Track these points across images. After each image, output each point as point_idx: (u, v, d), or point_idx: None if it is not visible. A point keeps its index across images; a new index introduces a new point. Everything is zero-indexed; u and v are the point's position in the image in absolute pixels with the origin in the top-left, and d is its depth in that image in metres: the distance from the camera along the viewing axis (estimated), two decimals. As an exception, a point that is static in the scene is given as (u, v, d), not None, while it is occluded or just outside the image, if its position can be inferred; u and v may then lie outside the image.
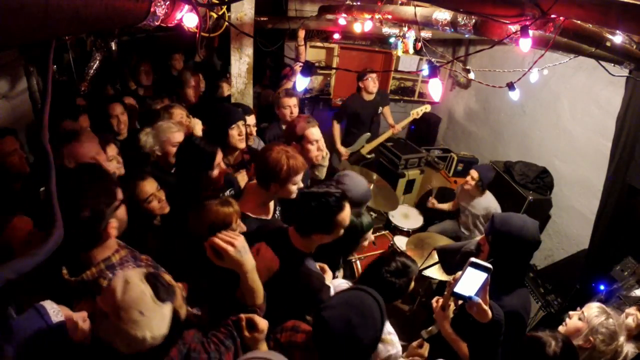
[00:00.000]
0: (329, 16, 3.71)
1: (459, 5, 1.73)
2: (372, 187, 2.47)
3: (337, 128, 4.34)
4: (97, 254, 1.33)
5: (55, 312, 1.07)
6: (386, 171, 4.88)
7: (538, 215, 3.63)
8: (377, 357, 1.65)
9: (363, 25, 3.30)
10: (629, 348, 1.75)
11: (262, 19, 4.01)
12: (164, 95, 3.46)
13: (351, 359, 1.30)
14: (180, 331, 1.20)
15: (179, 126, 2.47)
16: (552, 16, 1.51)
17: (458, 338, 1.64)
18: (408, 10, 2.49)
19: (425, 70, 1.79)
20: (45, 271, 0.81)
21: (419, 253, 3.08)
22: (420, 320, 3.21)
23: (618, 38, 1.79)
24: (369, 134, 4.48)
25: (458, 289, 1.39)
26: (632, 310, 1.98)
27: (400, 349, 1.71)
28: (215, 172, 2.09)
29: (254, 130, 2.94)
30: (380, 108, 4.46)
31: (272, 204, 2.18)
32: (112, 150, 2.22)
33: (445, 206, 4.11)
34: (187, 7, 1.61)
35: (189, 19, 1.73)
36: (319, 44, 5.02)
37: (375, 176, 3.59)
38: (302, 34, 3.95)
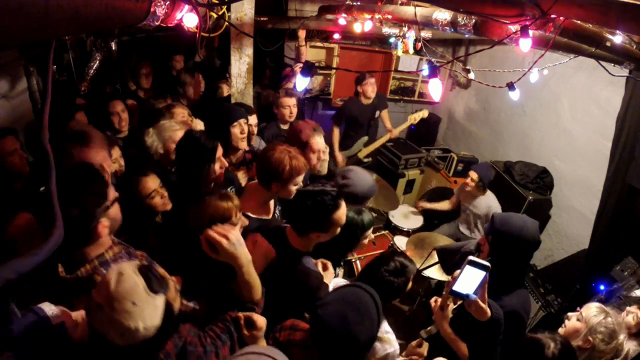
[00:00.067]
0: (329, 16, 3.71)
1: (459, 5, 1.73)
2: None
3: (336, 133, 4.28)
4: (91, 252, 1.35)
5: (54, 313, 1.09)
6: (386, 171, 4.88)
7: (538, 215, 3.64)
8: (374, 355, 1.65)
9: (363, 25, 3.30)
10: (630, 346, 1.74)
11: (262, 19, 4.00)
12: (166, 95, 3.46)
13: (348, 355, 1.30)
14: (175, 325, 1.21)
15: (180, 124, 2.48)
16: (552, 16, 1.51)
17: (457, 338, 1.64)
18: (408, 10, 2.49)
19: (425, 70, 1.79)
20: (42, 269, 0.82)
21: (419, 253, 3.08)
22: (420, 320, 3.21)
23: (618, 38, 1.79)
24: (366, 137, 4.47)
25: (456, 287, 1.40)
26: (633, 308, 1.98)
27: (397, 347, 1.71)
28: (217, 166, 2.08)
29: (255, 130, 2.94)
30: (378, 112, 4.43)
31: (272, 203, 2.18)
32: (116, 152, 2.25)
33: (440, 205, 4.09)
34: (187, 7, 1.61)
35: (189, 19, 1.73)
36: (319, 44, 5.02)
37: (375, 176, 3.59)
38: (302, 34, 3.95)
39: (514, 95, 2.39)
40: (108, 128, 2.77)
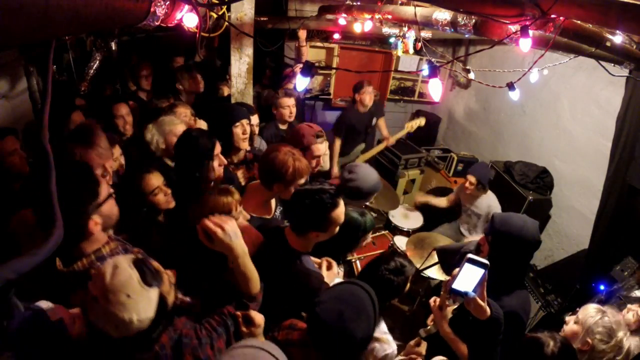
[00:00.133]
0: (329, 16, 3.71)
1: (459, 5, 1.73)
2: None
3: (337, 145, 4.22)
4: (87, 247, 1.38)
5: (52, 310, 1.10)
6: (386, 171, 4.88)
7: (538, 215, 3.64)
8: (374, 356, 1.65)
9: (363, 25, 3.30)
10: (631, 342, 1.74)
11: (262, 19, 4.00)
12: (169, 95, 3.47)
13: (346, 352, 1.30)
14: (170, 318, 1.23)
15: (181, 119, 2.50)
16: (552, 16, 1.51)
17: (456, 338, 1.64)
18: (408, 10, 2.48)
19: (425, 70, 1.79)
20: (41, 262, 0.83)
21: (418, 253, 3.08)
22: (420, 320, 3.20)
23: (618, 38, 1.79)
24: (363, 145, 4.47)
25: (456, 285, 1.39)
26: (634, 306, 1.99)
27: (395, 348, 1.72)
28: (216, 164, 2.09)
29: (256, 130, 2.94)
30: (375, 119, 4.43)
31: (273, 203, 2.19)
32: (116, 151, 2.26)
33: (437, 201, 4.08)
34: (187, 7, 1.61)
35: (189, 19, 1.73)
36: (319, 44, 5.02)
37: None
38: (303, 34, 3.95)
39: (514, 95, 2.39)
40: (112, 130, 2.77)
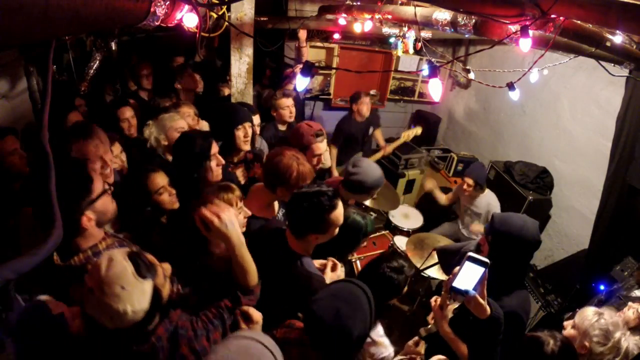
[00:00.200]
0: (329, 16, 3.71)
1: (459, 5, 1.73)
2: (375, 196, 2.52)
3: (334, 153, 4.25)
4: (83, 243, 1.39)
5: (55, 305, 1.14)
6: (386, 171, 4.88)
7: (538, 215, 3.64)
8: (370, 359, 1.65)
9: (363, 25, 3.30)
10: (630, 342, 1.73)
11: (262, 19, 4.00)
12: (172, 95, 3.47)
13: (343, 350, 1.30)
14: (166, 311, 1.25)
15: (180, 114, 2.51)
16: (552, 16, 1.51)
17: (456, 337, 1.64)
18: (408, 10, 2.48)
19: (425, 70, 1.79)
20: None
21: (418, 253, 3.08)
22: (420, 320, 3.20)
23: (618, 38, 1.79)
24: (361, 153, 4.48)
25: (456, 283, 1.39)
26: (635, 304, 1.99)
27: (392, 351, 1.72)
28: (213, 164, 2.09)
29: (258, 130, 2.95)
30: (372, 128, 4.47)
31: (276, 205, 2.20)
32: (116, 149, 2.25)
33: (440, 196, 4.09)
34: (187, 7, 1.60)
35: (189, 19, 1.73)
36: (319, 44, 5.02)
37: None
38: (303, 35, 3.95)
39: (514, 95, 2.39)
40: (116, 133, 2.77)
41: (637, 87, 2.69)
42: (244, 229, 1.75)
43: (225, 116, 2.50)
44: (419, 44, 3.54)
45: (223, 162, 2.15)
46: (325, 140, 2.50)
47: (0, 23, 0.62)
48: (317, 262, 1.93)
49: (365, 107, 4.18)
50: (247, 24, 2.87)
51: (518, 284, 1.87)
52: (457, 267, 1.39)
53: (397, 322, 3.14)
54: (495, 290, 1.59)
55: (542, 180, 3.95)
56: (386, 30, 3.59)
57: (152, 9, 1.32)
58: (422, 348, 1.71)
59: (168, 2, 1.41)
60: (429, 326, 1.67)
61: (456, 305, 1.67)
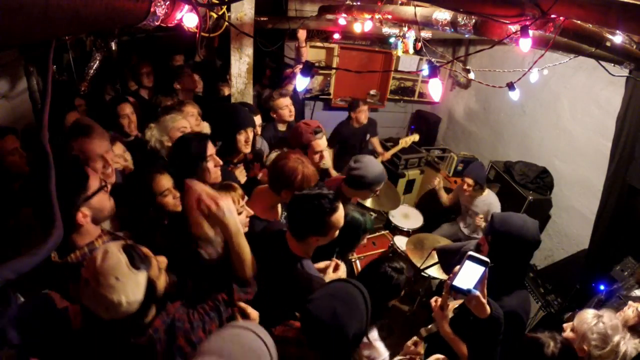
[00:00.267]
0: (329, 16, 3.71)
1: (459, 5, 1.73)
2: (378, 192, 2.53)
3: (330, 154, 4.27)
4: (79, 240, 1.40)
5: (60, 300, 1.17)
6: (386, 171, 4.87)
7: (538, 215, 3.64)
8: None
9: (363, 25, 3.30)
10: (628, 345, 1.73)
11: (262, 19, 4.00)
12: (173, 94, 3.47)
13: (339, 349, 1.30)
14: (162, 304, 1.27)
15: (187, 118, 2.51)
16: (552, 16, 1.51)
17: (457, 338, 1.64)
18: (408, 10, 2.49)
19: (425, 70, 1.79)
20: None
21: (418, 253, 3.08)
22: (420, 320, 3.21)
23: (618, 38, 1.79)
24: None
25: (456, 282, 1.40)
26: (635, 303, 1.98)
27: (386, 356, 1.72)
28: (211, 165, 2.09)
29: (259, 130, 2.95)
30: (368, 135, 4.52)
31: (279, 207, 2.21)
32: (118, 148, 2.25)
33: (443, 196, 4.11)
34: (187, 7, 1.61)
35: (189, 19, 1.73)
36: (319, 44, 5.02)
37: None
38: (302, 34, 3.95)
39: (514, 95, 2.40)
40: (116, 130, 2.76)
41: (637, 87, 2.70)
42: (246, 229, 1.75)
43: (227, 119, 2.50)
44: (419, 44, 3.54)
45: (221, 162, 2.15)
46: (324, 137, 2.52)
47: (0, 23, 0.62)
48: (323, 264, 1.93)
49: (363, 115, 4.27)
50: (247, 24, 2.87)
51: (518, 284, 1.87)
52: (458, 267, 1.39)
53: (397, 322, 3.14)
54: (495, 290, 1.59)
55: (542, 180, 3.95)
56: (386, 30, 3.59)
57: (152, 9, 1.32)
58: (421, 348, 1.71)
59: (168, 2, 1.41)
60: (430, 326, 1.67)
61: (456, 304, 1.67)
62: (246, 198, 1.88)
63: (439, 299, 1.63)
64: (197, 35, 1.81)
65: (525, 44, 1.58)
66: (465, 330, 1.60)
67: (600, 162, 3.26)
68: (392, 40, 3.72)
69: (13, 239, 1.49)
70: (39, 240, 0.83)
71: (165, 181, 1.96)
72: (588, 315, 1.74)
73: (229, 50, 2.98)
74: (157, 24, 1.46)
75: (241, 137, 2.42)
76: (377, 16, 2.78)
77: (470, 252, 1.36)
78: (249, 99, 3.20)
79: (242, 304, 1.43)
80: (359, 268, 2.95)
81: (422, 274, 2.99)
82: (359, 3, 3.00)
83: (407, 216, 4.02)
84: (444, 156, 5.21)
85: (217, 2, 1.89)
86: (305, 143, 2.41)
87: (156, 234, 1.94)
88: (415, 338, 1.72)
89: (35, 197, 1.32)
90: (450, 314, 1.61)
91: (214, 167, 2.10)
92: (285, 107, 3.28)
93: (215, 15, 2.47)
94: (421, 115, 6.04)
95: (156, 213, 1.96)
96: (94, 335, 1.15)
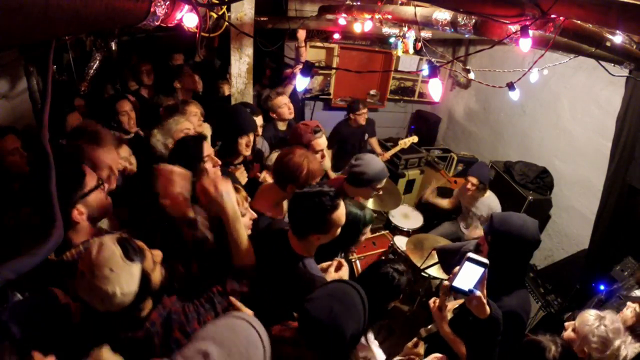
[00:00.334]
0: (329, 16, 3.71)
1: (459, 5, 1.73)
2: (380, 191, 2.53)
3: (329, 154, 4.21)
4: (75, 237, 1.40)
5: (62, 296, 1.18)
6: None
7: (538, 215, 3.64)
8: None
9: (363, 25, 3.30)
10: (629, 350, 1.73)
11: (262, 19, 4.00)
12: (174, 94, 3.47)
13: (336, 349, 1.30)
14: (159, 297, 1.30)
15: (190, 118, 2.53)
16: (552, 16, 1.52)
17: (456, 338, 1.64)
18: (408, 10, 2.49)
19: (425, 70, 1.79)
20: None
21: (418, 253, 3.08)
22: (420, 320, 3.21)
23: (618, 38, 1.79)
24: None
25: (456, 283, 1.40)
26: (633, 304, 1.98)
27: (384, 359, 1.72)
28: (209, 165, 2.09)
29: (260, 130, 2.95)
30: (367, 135, 4.54)
31: (285, 204, 2.20)
32: (124, 151, 2.25)
33: (441, 202, 4.09)
34: (187, 7, 1.61)
35: (189, 19, 1.73)
36: (319, 44, 5.02)
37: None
38: (302, 35, 3.95)
39: (514, 95, 2.40)
40: (115, 128, 2.76)
41: (637, 87, 2.70)
42: (249, 232, 1.75)
43: (230, 122, 2.50)
44: (419, 44, 3.55)
45: (219, 162, 2.15)
46: (324, 136, 2.54)
47: (0, 23, 0.62)
48: (326, 264, 1.93)
49: (362, 117, 4.30)
50: (247, 24, 2.87)
51: (518, 284, 1.87)
52: (457, 267, 1.40)
53: (397, 323, 3.14)
54: (495, 289, 1.59)
55: (542, 180, 3.95)
56: (386, 30, 3.59)
57: (152, 9, 1.32)
58: (421, 349, 1.71)
59: (168, 2, 1.41)
60: (430, 326, 1.67)
61: (456, 305, 1.67)
62: (249, 199, 1.89)
63: (437, 300, 1.63)
64: (197, 35, 1.81)
65: (525, 44, 1.59)
66: (464, 330, 1.60)
67: (600, 162, 3.26)
68: (392, 40, 3.72)
69: (13, 239, 1.49)
70: (39, 240, 0.83)
71: None
72: (590, 317, 1.73)
73: (229, 50, 2.98)
74: (157, 24, 1.46)
75: (243, 141, 2.44)
76: (377, 16, 2.78)
77: (469, 254, 1.36)
78: (249, 99, 3.20)
79: (237, 303, 1.44)
80: (359, 269, 2.95)
81: (422, 274, 2.99)
82: (359, 3, 3.01)
83: (407, 216, 4.02)
84: (444, 156, 5.21)
85: (217, 2, 1.89)
86: (305, 143, 2.42)
87: (158, 234, 1.94)
88: (415, 339, 1.72)
89: (35, 197, 1.32)
90: (450, 315, 1.61)
91: (212, 167, 2.10)
92: (284, 105, 3.29)
93: (215, 15, 2.47)
94: (421, 115, 6.05)
95: (158, 214, 1.96)
96: (93, 329, 1.17)
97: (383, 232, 3.68)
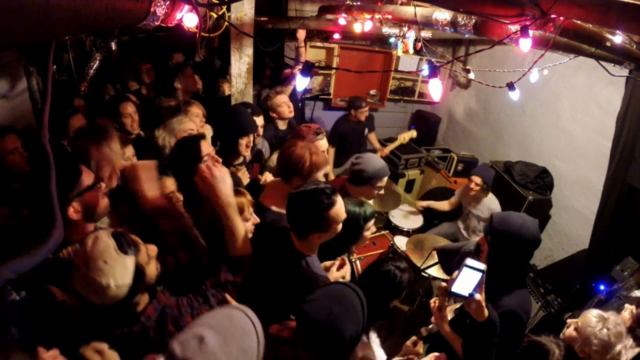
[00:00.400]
0: (329, 16, 3.71)
1: (459, 5, 1.73)
2: (381, 190, 2.55)
3: (331, 153, 4.28)
4: (70, 235, 1.40)
5: (60, 293, 1.20)
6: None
7: (538, 215, 3.63)
8: None
9: (363, 25, 3.30)
10: (629, 355, 1.72)
11: (262, 19, 4.00)
12: (175, 94, 3.46)
13: (335, 350, 1.30)
14: (154, 292, 1.33)
15: (192, 118, 2.55)
16: (552, 16, 1.52)
17: (456, 337, 1.64)
18: (408, 10, 2.49)
19: (425, 70, 1.79)
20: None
21: (418, 253, 3.08)
22: (420, 320, 3.21)
23: (618, 38, 1.79)
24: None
25: (455, 288, 1.41)
26: (630, 306, 1.98)
27: (384, 359, 1.72)
28: (209, 165, 2.09)
29: (261, 130, 2.95)
30: (367, 130, 4.55)
31: None
32: (129, 151, 2.26)
33: (439, 205, 4.09)
34: (187, 7, 1.61)
35: (189, 19, 1.73)
36: (319, 44, 5.02)
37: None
38: (301, 35, 3.95)
39: (514, 95, 2.40)
40: (116, 130, 2.76)
41: (637, 87, 2.70)
42: (250, 235, 1.75)
43: (231, 123, 2.50)
44: (419, 44, 3.55)
45: (219, 160, 2.16)
46: (325, 138, 2.55)
47: (0, 23, 0.62)
48: (329, 263, 1.93)
49: (363, 114, 4.31)
50: (247, 24, 2.87)
51: (518, 284, 1.87)
52: (456, 273, 1.40)
53: (397, 322, 3.14)
54: (496, 289, 1.59)
55: (542, 180, 3.95)
56: (386, 30, 3.59)
57: (152, 9, 1.32)
58: (420, 348, 1.71)
59: (168, 2, 1.41)
60: (430, 326, 1.67)
61: (457, 306, 1.67)
62: (254, 203, 1.89)
63: (437, 301, 1.63)
64: (197, 35, 1.81)
65: (525, 44, 1.59)
66: (462, 331, 1.61)
67: (600, 162, 3.26)
68: (392, 40, 3.72)
69: (13, 239, 1.49)
70: (39, 240, 0.83)
71: (169, 183, 1.98)
72: (593, 318, 1.72)
73: (229, 50, 2.98)
74: (157, 24, 1.46)
75: (243, 142, 2.45)
76: (377, 16, 2.78)
77: (467, 261, 1.38)
78: (249, 99, 3.20)
79: (232, 301, 1.45)
80: (359, 269, 2.94)
81: (422, 274, 2.99)
82: (359, 3, 3.01)
83: (407, 216, 4.02)
84: (444, 156, 5.21)
85: (217, 2, 1.89)
86: None
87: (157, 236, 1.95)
88: (414, 338, 1.71)
89: (35, 197, 1.32)
90: (451, 315, 1.61)
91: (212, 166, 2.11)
92: (284, 103, 3.29)
93: (215, 15, 2.47)
94: (421, 115, 6.04)
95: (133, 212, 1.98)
96: (90, 325, 1.19)
97: (383, 232, 3.68)
